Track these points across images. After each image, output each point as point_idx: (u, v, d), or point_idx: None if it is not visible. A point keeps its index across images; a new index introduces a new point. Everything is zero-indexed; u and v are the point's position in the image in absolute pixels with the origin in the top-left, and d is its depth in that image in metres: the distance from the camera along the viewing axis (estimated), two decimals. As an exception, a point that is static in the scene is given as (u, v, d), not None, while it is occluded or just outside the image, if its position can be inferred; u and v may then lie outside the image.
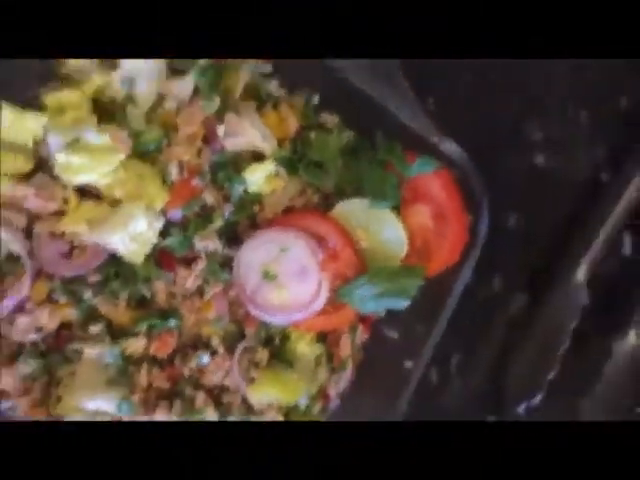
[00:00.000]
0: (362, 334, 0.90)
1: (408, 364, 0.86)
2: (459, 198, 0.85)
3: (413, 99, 0.84)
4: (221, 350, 0.82)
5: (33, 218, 0.77)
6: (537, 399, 0.91)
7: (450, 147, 0.84)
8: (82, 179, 0.76)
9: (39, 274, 0.77)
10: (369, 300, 0.82)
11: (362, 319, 0.89)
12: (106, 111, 0.79)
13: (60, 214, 0.77)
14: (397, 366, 0.87)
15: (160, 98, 0.81)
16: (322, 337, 0.88)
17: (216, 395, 0.83)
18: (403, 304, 0.83)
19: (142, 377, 0.79)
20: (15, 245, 0.76)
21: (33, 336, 0.77)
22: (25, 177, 0.77)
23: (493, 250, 0.87)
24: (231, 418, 0.82)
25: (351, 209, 0.84)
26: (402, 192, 0.84)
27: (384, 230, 0.84)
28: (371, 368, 0.91)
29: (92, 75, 0.78)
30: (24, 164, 0.76)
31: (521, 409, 0.92)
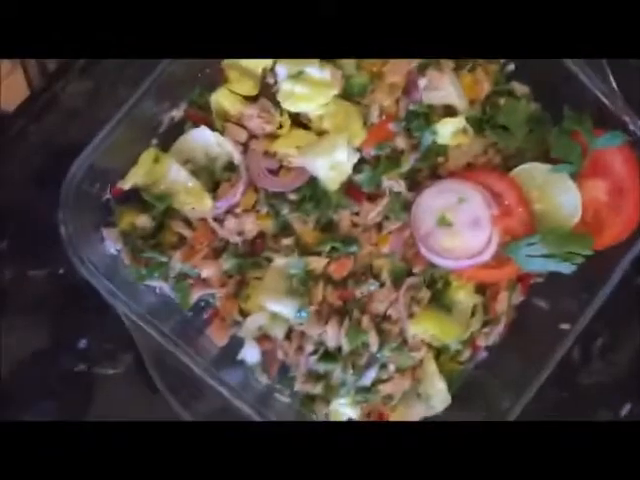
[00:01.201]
0: (519, 295, 0.94)
1: (564, 326, 0.88)
2: (639, 177, 0.87)
3: (608, 76, 0.87)
4: (388, 283, 0.89)
5: (251, 136, 0.88)
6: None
7: (638, 126, 0.86)
8: (300, 107, 0.85)
9: (249, 185, 0.87)
10: (535, 259, 0.86)
11: (521, 279, 0.93)
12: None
13: (274, 136, 0.87)
14: (549, 330, 0.90)
15: (372, 47, 0.89)
16: (481, 289, 0.92)
17: (378, 322, 0.90)
18: (569, 269, 0.85)
19: (318, 291, 0.88)
20: (235, 156, 0.87)
21: (236, 238, 0.88)
22: (251, 100, 0.87)
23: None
24: (388, 346, 0.89)
25: (530, 171, 0.88)
26: (584, 163, 0.87)
27: (560, 195, 0.87)
28: (522, 328, 0.95)
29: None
30: (252, 88, 0.87)
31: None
